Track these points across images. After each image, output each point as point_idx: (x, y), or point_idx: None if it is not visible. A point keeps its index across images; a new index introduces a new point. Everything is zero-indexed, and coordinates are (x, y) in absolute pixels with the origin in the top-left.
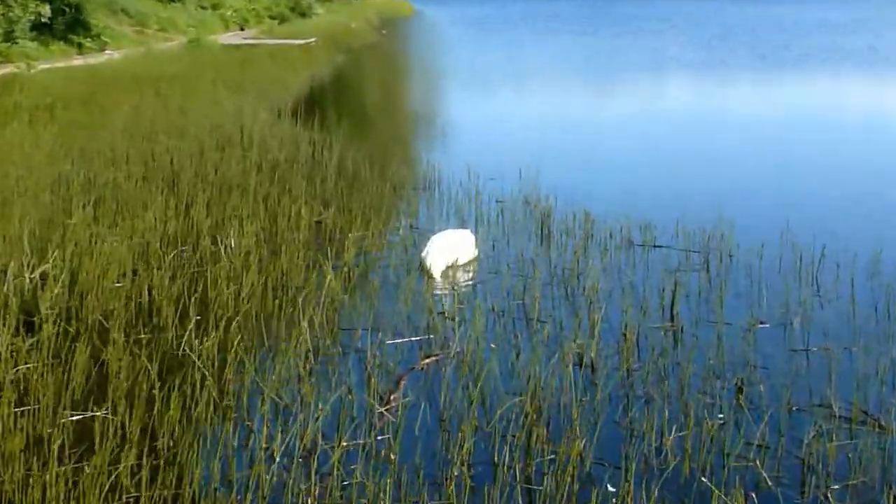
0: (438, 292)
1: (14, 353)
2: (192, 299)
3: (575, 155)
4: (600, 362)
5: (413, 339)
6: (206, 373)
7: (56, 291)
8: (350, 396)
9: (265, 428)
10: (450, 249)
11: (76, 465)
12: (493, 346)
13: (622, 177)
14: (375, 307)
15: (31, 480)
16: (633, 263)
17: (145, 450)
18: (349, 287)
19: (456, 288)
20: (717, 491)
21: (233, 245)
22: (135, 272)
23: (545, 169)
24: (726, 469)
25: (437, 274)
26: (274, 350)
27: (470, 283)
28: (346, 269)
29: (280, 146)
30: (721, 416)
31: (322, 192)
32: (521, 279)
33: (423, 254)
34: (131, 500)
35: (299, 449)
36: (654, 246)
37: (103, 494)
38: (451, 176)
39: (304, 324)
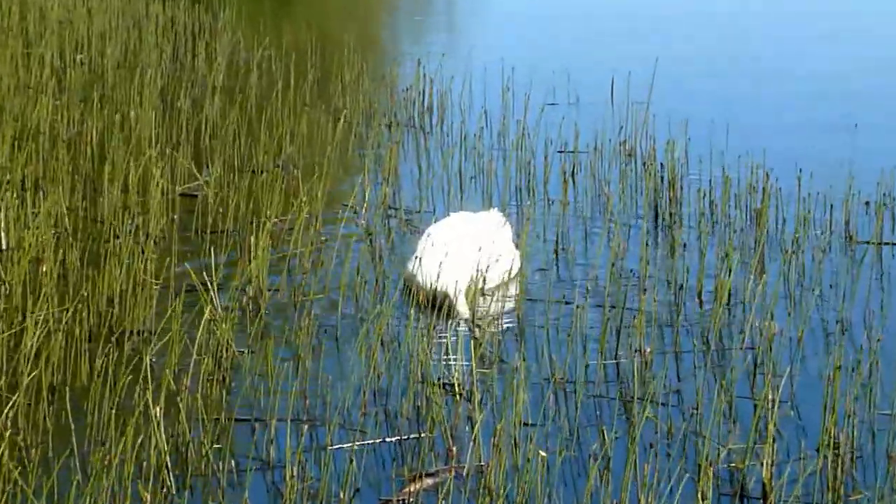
0: (440, 342)
1: None
2: None
3: (688, 66)
4: None
5: (389, 439)
6: None
7: None
8: None
9: None
10: (462, 255)
11: None
12: (542, 452)
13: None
14: (308, 376)
15: None
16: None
17: None
18: (253, 342)
19: (476, 334)
20: None
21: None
22: None
23: (642, 83)
24: None
25: (436, 302)
26: None
27: (503, 322)
28: (243, 301)
29: (110, 34)
30: None
31: (194, 136)
32: (614, 316)
33: (411, 265)
34: None
35: None
36: None
37: None
38: (464, 100)
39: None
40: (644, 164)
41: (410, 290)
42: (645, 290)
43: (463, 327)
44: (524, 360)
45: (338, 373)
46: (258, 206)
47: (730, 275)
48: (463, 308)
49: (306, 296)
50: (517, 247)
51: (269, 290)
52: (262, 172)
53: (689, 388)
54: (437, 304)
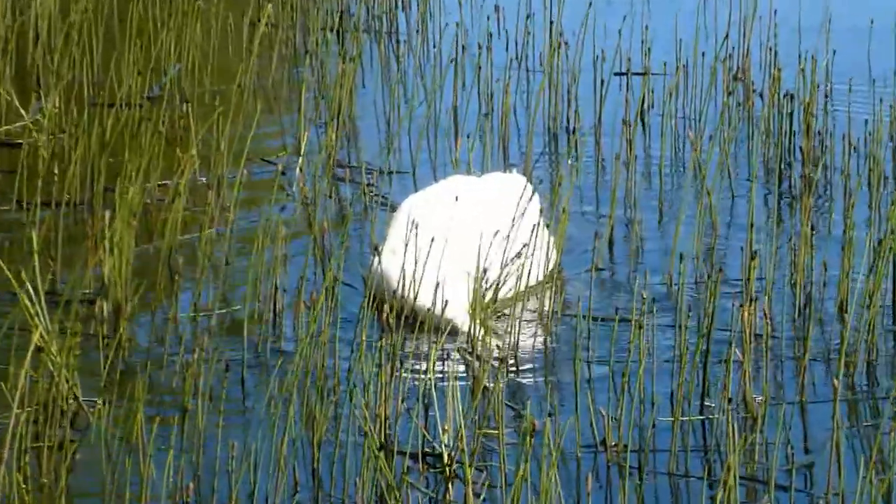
0: (417, 384)
1: None
2: None
3: None
4: None
5: None
6: None
7: None
8: None
9: None
10: (460, 244)
11: None
12: None
13: None
14: (200, 445)
15: None
16: None
17: None
18: (108, 389)
19: (477, 370)
20: None
21: None
22: None
23: None
24: None
25: (415, 320)
26: None
27: (523, 352)
28: (93, 322)
29: None
30: None
31: (16, 48)
32: (700, 342)
33: (378, 261)
34: None
35: None
36: None
37: None
38: None
39: None
40: (761, 94)
41: (374, 300)
42: (752, 299)
43: (457, 360)
44: (553, 413)
45: (247, 438)
46: (120, 162)
47: None
48: (461, 320)
49: (198, 312)
50: (550, 230)
51: (135, 302)
52: (126, 107)
53: (824, 465)
54: (416, 323)
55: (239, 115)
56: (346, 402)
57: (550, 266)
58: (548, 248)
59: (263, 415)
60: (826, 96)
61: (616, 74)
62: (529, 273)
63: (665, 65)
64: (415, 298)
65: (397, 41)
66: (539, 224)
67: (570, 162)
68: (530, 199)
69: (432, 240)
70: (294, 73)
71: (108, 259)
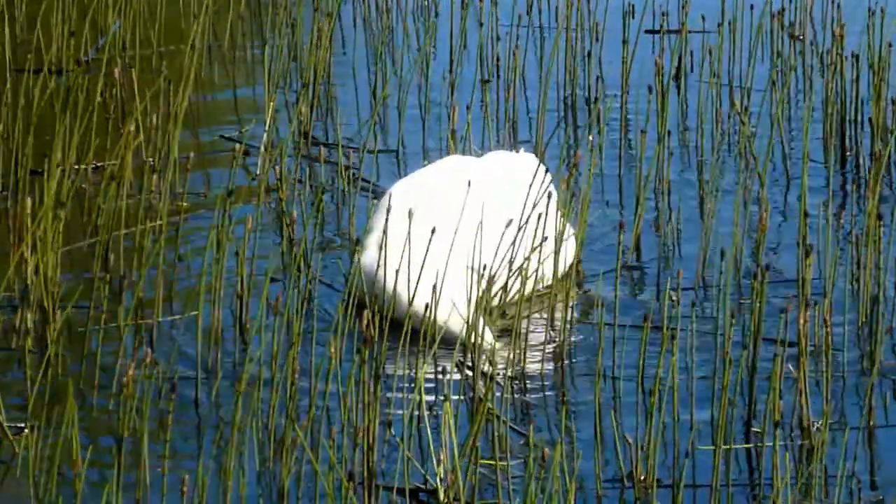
0: (403, 404)
1: None
2: None
3: None
4: None
5: None
6: None
7: None
8: None
9: None
10: (461, 240)
11: None
12: None
13: None
14: (145, 475)
15: None
16: None
17: None
18: (36, 414)
19: (482, 390)
20: None
21: None
22: None
23: None
24: None
25: (406, 329)
26: None
27: (533, 370)
28: (15, 335)
29: None
30: None
31: None
32: (744, 357)
33: (360, 257)
34: None
35: None
36: None
37: None
38: None
39: None
40: (821, 56)
41: (355, 302)
42: (808, 303)
43: (453, 376)
44: (560, 442)
45: (200, 470)
46: (45, 139)
47: None
48: (458, 325)
49: (144, 320)
50: (567, 221)
51: (68, 310)
52: (56, 74)
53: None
54: (403, 330)
55: (190, 81)
56: (320, 427)
57: (568, 263)
58: (563, 240)
59: (220, 442)
60: None
61: (647, 32)
62: (543, 272)
63: (703, 19)
64: (410, 302)
65: None
66: (555, 214)
67: (590, 138)
68: (542, 182)
69: (433, 231)
70: (258, 32)
71: (32, 258)
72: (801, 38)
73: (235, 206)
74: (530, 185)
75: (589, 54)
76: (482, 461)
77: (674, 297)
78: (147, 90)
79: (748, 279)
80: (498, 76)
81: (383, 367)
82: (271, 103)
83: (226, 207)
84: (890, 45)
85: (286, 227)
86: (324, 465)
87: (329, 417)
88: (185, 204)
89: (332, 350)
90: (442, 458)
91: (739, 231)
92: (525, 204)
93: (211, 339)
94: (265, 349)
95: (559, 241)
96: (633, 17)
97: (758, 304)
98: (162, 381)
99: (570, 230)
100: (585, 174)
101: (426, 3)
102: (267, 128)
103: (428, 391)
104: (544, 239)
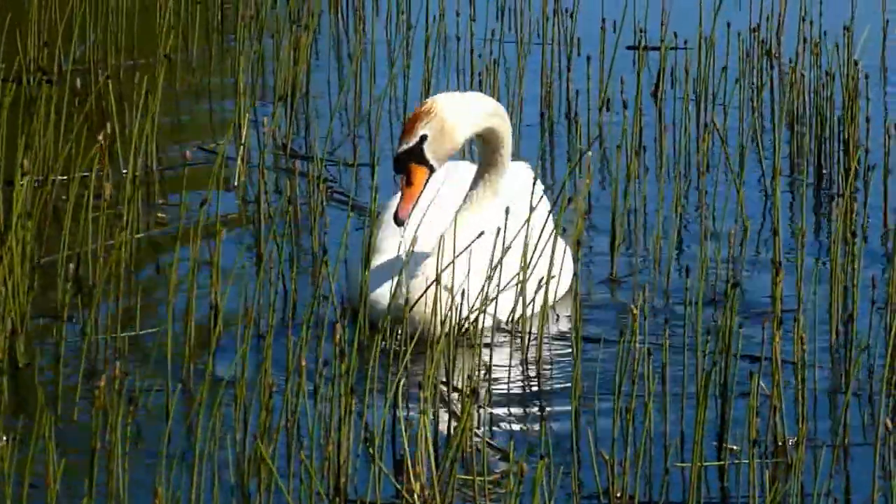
0: (375, 414)
1: None
2: None
3: None
4: None
5: None
6: None
7: None
8: None
9: None
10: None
11: None
12: None
13: None
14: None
15: None
16: None
17: None
18: (9, 428)
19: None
20: None
21: None
22: None
23: None
24: None
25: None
26: None
27: (515, 396)
28: None
29: None
30: None
31: None
32: (733, 383)
33: (362, 275)
34: None
35: None
36: None
37: None
38: None
39: None
40: (794, 73)
41: (344, 313)
42: (780, 320)
43: (428, 390)
44: (546, 456)
45: (170, 487)
46: (14, 147)
47: None
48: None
49: (117, 333)
50: (562, 235)
51: (38, 322)
52: (28, 82)
53: None
54: (374, 345)
55: (161, 91)
56: (294, 442)
57: (564, 284)
58: (559, 257)
59: (194, 456)
60: (872, 74)
61: (629, 48)
62: (546, 289)
63: (676, 36)
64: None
65: (360, 4)
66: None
67: (588, 153)
68: (536, 191)
69: (440, 243)
70: (229, 39)
71: (1, 270)
72: (778, 56)
73: (211, 218)
74: (533, 192)
75: (568, 69)
76: (456, 477)
77: (635, 311)
78: (124, 101)
79: (722, 296)
80: (479, 84)
81: (354, 381)
82: (246, 115)
83: (201, 219)
84: (857, 63)
85: (261, 239)
86: (296, 479)
87: (299, 432)
88: (161, 215)
89: (304, 363)
90: (418, 471)
91: (712, 247)
92: (516, 217)
93: (185, 353)
94: (238, 362)
95: (560, 256)
96: (613, 33)
97: (729, 322)
98: (136, 393)
99: (565, 247)
100: (576, 188)
101: (403, 16)
102: (244, 140)
103: (405, 406)
104: (531, 255)
